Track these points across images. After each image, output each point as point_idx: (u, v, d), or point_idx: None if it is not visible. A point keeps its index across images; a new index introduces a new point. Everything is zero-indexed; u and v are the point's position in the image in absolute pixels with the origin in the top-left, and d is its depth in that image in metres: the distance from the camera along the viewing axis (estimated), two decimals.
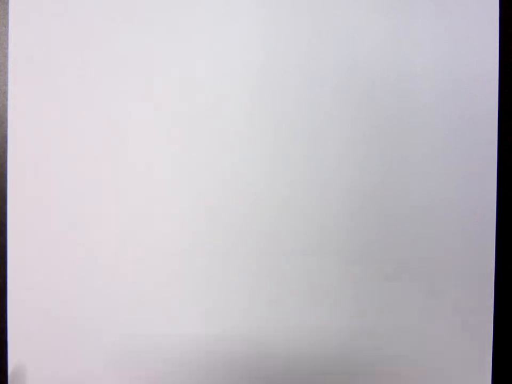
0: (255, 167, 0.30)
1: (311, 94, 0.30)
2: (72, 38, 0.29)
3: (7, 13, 0.29)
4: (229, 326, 0.29)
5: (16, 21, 0.29)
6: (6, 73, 0.29)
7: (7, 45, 0.29)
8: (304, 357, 0.30)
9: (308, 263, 0.30)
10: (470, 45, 0.30)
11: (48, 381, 0.29)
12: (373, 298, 0.30)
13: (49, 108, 0.29)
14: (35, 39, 0.29)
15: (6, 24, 0.29)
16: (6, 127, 0.29)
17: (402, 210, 0.30)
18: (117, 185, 0.29)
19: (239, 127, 0.29)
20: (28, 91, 0.29)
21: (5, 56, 0.29)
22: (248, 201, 0.30)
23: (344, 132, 0.30)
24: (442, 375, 0.30)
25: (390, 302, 0.30)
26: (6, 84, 0.29)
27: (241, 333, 0.29)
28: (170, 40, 0.29)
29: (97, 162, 0.29)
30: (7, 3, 0.29)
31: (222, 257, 0.29)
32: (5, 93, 0.29)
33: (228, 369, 0.29)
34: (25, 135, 0.29)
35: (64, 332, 0.29)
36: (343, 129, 0.30)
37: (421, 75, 0.30)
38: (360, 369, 0.30)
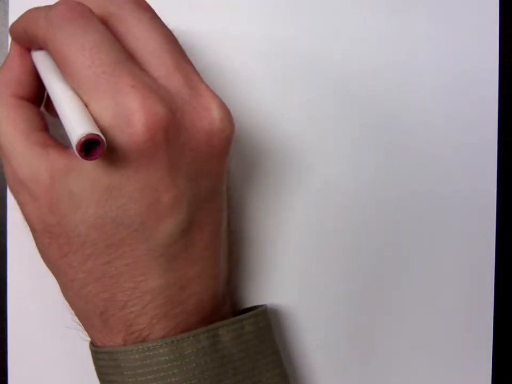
0: (256, 168, 0.30)
1: (309, 95, 0.30)
2: None
3: (7, 13, 0.29)
4: None
5: None
6: None
7: (7, 45, 0.29)
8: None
9: (307, 262, 0.30)
10: (470, 45, 0.30)
11: (48, 381, 0.29)
12: (371, 297, 0.30)
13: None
14: None
15: (6, 24, 0.29)
16: None
17: (402, 210, 0.30)
18: None
19: (238, 133, 0.29)
20: None
21: (5, 56, 0.29)
22: (249, 205, 0.30)
23: (343, 131, 0.30)
24: (441, 375, 0.30)
25: (388, 301, 0.30)
26: None
27: None
28: None
29: None
30: (7, 3, 0.29)
31: None
32: None
33: None
34: None
35: (65, 331, 0.29)
36: (342, 129, 0.30)
37: (421, 75, 0.30)
38: (357, 367, 0.30)
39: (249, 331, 0.24)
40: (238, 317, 0.24)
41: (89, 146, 0.18)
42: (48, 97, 0.25)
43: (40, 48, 0.23)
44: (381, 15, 0.30)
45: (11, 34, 0.23)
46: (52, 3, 0.22)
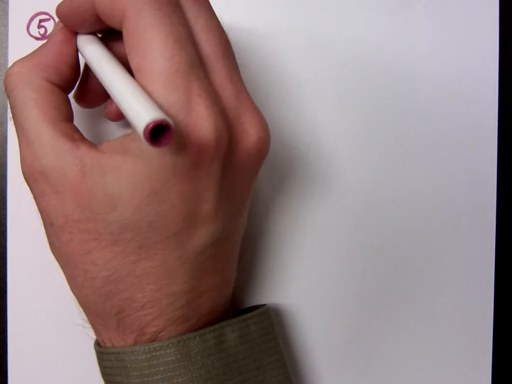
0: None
1: (310, 95, 0.30)
2: None
3: (7, 13, 0.29)
4: None
5: (16, 21, 0.29)
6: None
7: (7, 44, 0.29)
8: None
9: (308, 262, 0.30)
10: (470, 45, 0.30)
11: (48, 381, 0.29)
12: (372, 297, 0.30)
13: None
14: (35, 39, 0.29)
15: (6, 24, 0.29)
16: (6, 127, 0.29)
17: (402, 210, 0.30)
18: None
19: None
20: None
21: (5, 56, 0.29)
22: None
23: (343, 131, 0.30)
24: (441, 375, 0.30)
25: (389, 300, 0.30)
26: None
27: None
28: None
29: None
30: (7, 3, 0.29)
31: None
32: (5, 93, 0.29)
33: None
34: None
35: (65, 331, 0.29)
36: (342, 129, 0.30)
37: (421, 75, 0.30)
38: (355, 367, 0.30)
39: (253, 330, 0.24)
40: (242, 316, 0.24)
41: (154, 134, 0.17)
42: (79, 87, 0.25)
43: (88, 33, 0.22)
44: (381, 15, 0.30)
45: (61, 13, 0.22)
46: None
